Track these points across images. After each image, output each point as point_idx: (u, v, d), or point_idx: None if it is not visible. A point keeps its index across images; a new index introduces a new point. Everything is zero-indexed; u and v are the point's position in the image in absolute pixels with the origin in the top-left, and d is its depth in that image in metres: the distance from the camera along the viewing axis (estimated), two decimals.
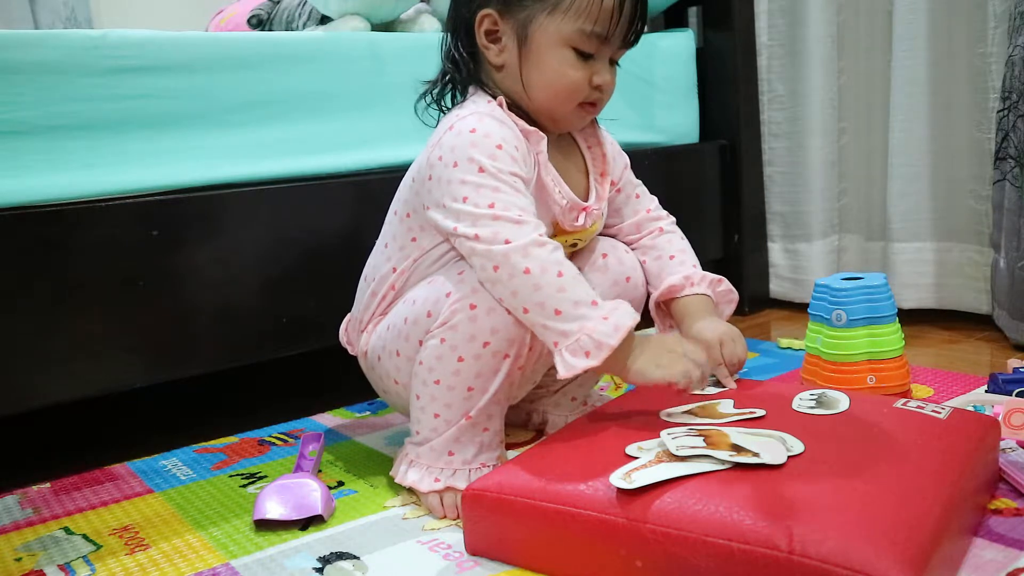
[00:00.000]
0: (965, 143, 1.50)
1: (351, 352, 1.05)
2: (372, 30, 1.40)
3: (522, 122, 0.92)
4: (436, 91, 0.98)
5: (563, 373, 0.81)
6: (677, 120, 1.69)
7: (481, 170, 0.85)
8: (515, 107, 0.94)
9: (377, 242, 1.01)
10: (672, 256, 1.06)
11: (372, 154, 1.27)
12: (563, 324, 0.81)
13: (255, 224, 1.16)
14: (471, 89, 0.96)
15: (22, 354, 1.01)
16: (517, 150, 0.89)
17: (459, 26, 0.96)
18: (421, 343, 0.90)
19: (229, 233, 1.15)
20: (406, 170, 1.00)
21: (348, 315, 1.06)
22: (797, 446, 0.77)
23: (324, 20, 1.47)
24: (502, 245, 0.83)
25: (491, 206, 0.84)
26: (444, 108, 0.98)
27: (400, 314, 0.94)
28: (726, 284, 1.04)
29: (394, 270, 0.96)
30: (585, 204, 0.98)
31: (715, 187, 1.74)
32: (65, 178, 1.03)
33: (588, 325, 0.81)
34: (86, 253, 1.04)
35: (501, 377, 0.88)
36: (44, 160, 1.02)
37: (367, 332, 1.00)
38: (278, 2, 1.65)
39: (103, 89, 1.05)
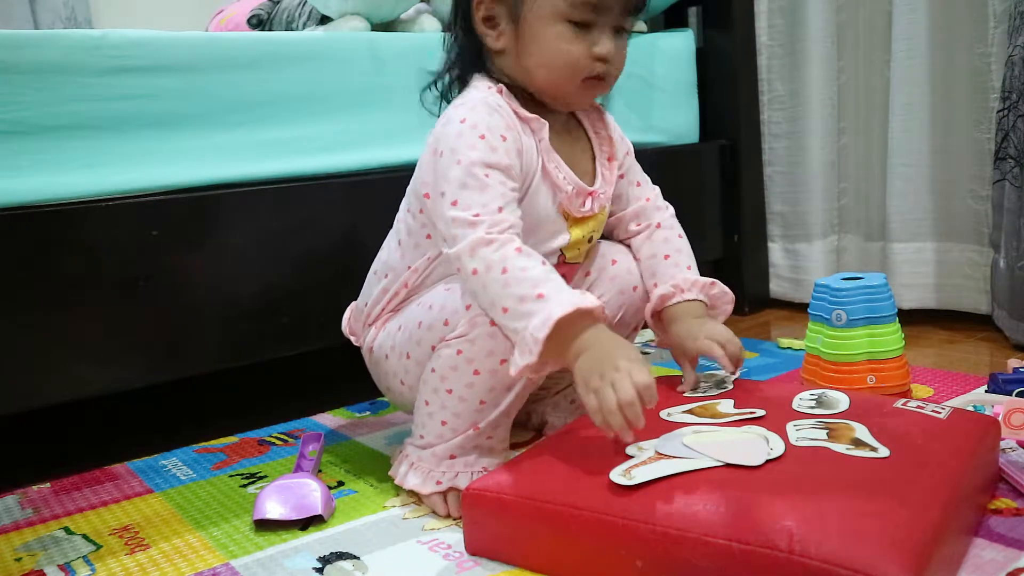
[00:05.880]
0: (965, 143, 1.50)
1: (355, 343, 1.04)
2: (372, 30, 1.40)
3: (522, 109, 0.91)
4: (440, 83, 0.98)
5: (511, 371, 0.79)
6: (677, 120, 1.69)
7: (459, 162, 0.85)
8: (521, 91, 0.93)
9: (389, 236, 1.00)
10: (667, 256, 1.03)
11: (372, 154, 1.27)
12: (512, 322, 0.79)
13: (255, 224, 1.16)
14: (475, 77, 0.95)
15: (22, 354, 1.01)
16: (504, 139, 0.87)
17: (459, 15, 0.95)
18: (434, 348, 0.89)
19: (229, 233, 1.15)
20: (406, 170, 0.99)
21: (352, 305, 1.06)
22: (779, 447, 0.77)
23: (324, 20, 1.47)
24: (456, 247, 0.83)
25: (454, 203, 0.84)
26: (447, 99, 0.98)
27: (414, 317, 0.93)
28: (719, 287, 1.01)
29: (409, 267, 0.96)
30: (591, 189, 0.97)
31: (715, 187, 1.74)
32: (65, 178, 1.03)
33: (533, 321, 0.77)
34: (86, 253, 1.04)
35: (514, 394, 0.88)
36: (44, 160, 1.02)
37: (375, 327, 0.99)
38: (278, 2, 1.65)
39: (103, 89, 1.05)
